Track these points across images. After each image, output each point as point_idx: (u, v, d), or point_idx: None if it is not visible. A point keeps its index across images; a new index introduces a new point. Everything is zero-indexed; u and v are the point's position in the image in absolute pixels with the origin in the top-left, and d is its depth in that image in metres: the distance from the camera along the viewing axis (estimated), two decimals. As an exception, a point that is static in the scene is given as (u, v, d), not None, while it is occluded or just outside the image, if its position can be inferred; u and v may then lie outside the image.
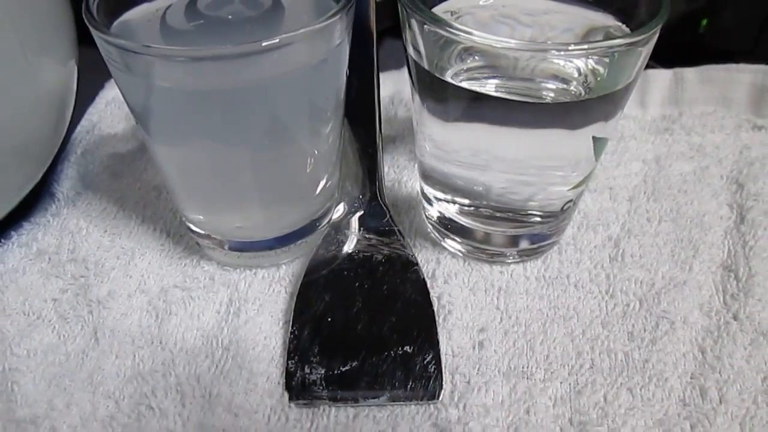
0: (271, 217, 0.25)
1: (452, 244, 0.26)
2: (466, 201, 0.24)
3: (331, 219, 0.27)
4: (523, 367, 0.22)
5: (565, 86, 0.21)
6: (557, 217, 0.25)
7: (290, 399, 0.21)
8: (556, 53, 0.19)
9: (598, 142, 0.22)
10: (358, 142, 0.27)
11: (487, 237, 0.25)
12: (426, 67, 0.21)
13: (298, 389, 0.21)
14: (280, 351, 0.23)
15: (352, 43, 0.22)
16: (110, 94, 0.36)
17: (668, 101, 0.34)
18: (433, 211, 0.26)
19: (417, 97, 0.23)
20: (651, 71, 0.35)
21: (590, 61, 0.21)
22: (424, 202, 0.27)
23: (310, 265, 0.25)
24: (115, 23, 0.21)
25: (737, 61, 0.34)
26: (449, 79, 0.21)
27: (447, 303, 0.24)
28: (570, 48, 0.19)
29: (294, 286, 0.25)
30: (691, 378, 0.22)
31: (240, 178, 0.23)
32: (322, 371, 0.22)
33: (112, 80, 0.35)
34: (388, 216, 0.27)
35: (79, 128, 0.34)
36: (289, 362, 0.22)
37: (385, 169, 0.30)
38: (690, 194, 0.29)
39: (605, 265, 0.26)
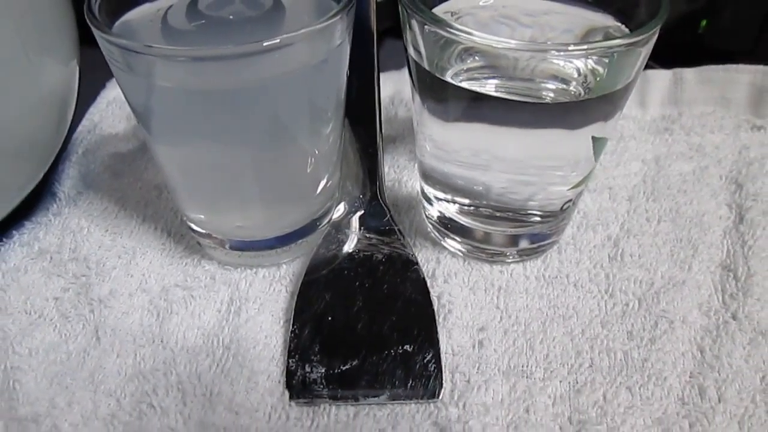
0: (272, 216, 0.25)
1: (452, 243, 0.26)
2: (466, 201, 0.24)
3: (331, 218, 0.27)
4: (522, 366, 0.22)
5: (564, 86, 0.21)
6: (557, 216, 0.25)
7: (291, 397, 0.21)
8: (556, 53, 0.19)
9: (598, 142, 0.22)
10: (358, 142, 0.27)
11: (487, 236, 0.25)
12: (426, 67, 0.21)
13: (298, 388, 0.22)
14: (281, 350, 0.23)
15: (352, 44, 0.22)
16: (111, 93, 0.36)
17: (668, 101, 0.34)
18: (434, 211, 0.26)
19: (417, 97, 0.23)
20: (650, 71, 0.35)
21: (590, 61, 0.21)
22: (424, 201, 0.27)
23: (310, 264, 0.25)
24: (117, 23, 0.21)
25: (737, 62, 0.34)
26: (449, 80, 0.21)
27: (447, 302, 0.24)
28: (570, 48, 0.19)
29: (294, 286, 0.25)
30: (690, 377, 0.22)
31: (241, 177, 0.23)
32: (323, 370, 0.22)
33: (113, 80, 0.35)
34: (388, 215, 0.27)
35: (80, 128, 0.34)
36: (290, 361, 0.22)
37: (386, 168, 0.30)
38: (689, 194, 0.29)
39: (605, 265, 0.26)
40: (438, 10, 0.22)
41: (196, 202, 0.25)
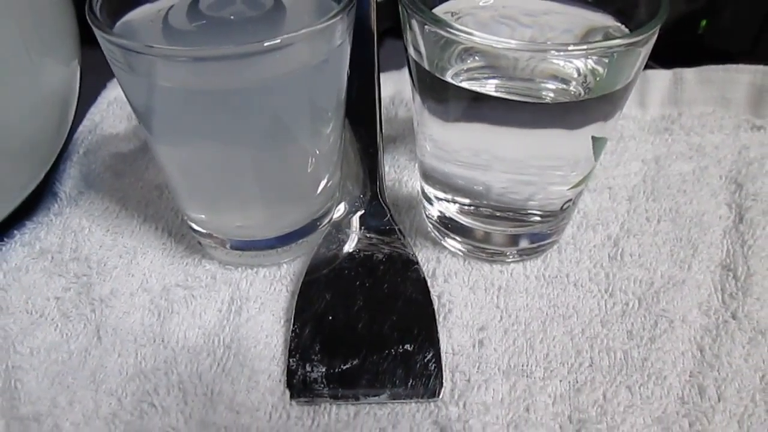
0: (273, 216, 0.25)
1: (452, 243, 0.26)
2: (467, 200, 0.24)
3: (332, 218, 0.27)
4: (522, 366, 0.22)
5: (564, 86, 0.21)
6: (557, 216, 0.25)
7: (291, 397, 0.21)
8: (556, 53, 0.19)
9: (598, 142, 0.22)
10: (359, 141, 0.27)
11: (487, 236, 0.25)
12: (426, 67, 0.21)
13: (299, 387, 0.22)
14: (282, 349, 0.23)
15: (353, 44, 0.22)
16: (112, 94, 0.36)
17: (668, 101, 0.35)
18: (434, 211, 0.26)
19: (417, 98, 0.23)
20: (650, 71, 0.35)
21: (590, 61, 0.21)
22: (424, 201, 0.27)
23: (311, 264, 0.25)
24: (118, 23, 0.21)
25: (736, 62, 0.34)
26: (449, 80, 0.21)
27: (447, 302, 0.24)
28: (569, 48, 0.19)
29: (295, 285, 0.25)
30: (689, 376, 0.22)
31: (241, 177, 0.23)
32: (323, 369, 0.22)
33: (114, 80, 0.35)
34: (388, 215, 0.27)
35: (81, 128, 0.34)
36: (291, 360, 0.22)
37: (386, 168, 0.30)
38: (689, 194, 0.29)
39: (604, 264, 0.26)
40: (438, 11, 0.23)
41: (197, 202, 0.25)
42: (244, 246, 0.25)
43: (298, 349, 0.23)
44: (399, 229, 0.26)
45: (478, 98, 0.21)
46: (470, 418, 0.21)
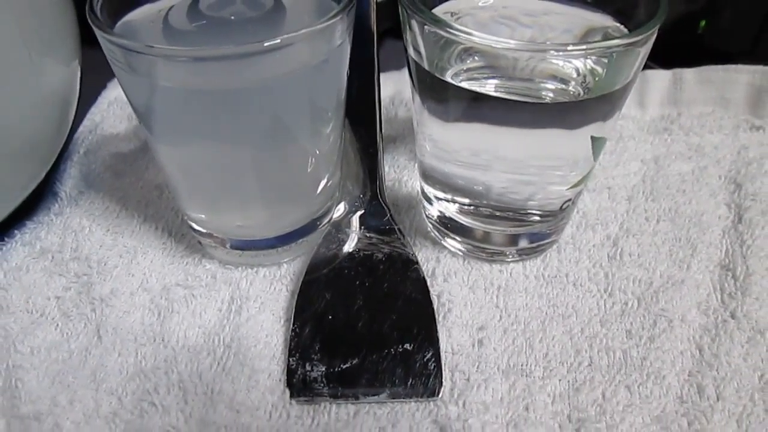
0: (273, 216, 0.25)
1: (452, 242, 0.27)
2: (466, 200, 0.24)
3: (331, 218, 0.27)
4: (522, 365, 0.22)
5: (564, 86, 0.21)
6: (556, 216, 0.25)
7: (291, 396, 0.22)
8: (555, 54, 0.20)
9: (597, 142, 0.22)
10: (358, 141, 0.27)
11: (486, 236, 0.25)
12: (426, 67, 0.21)
13: (299, 386, 0.22)
14: (282, 348, 0.23)
15: (353, 44, 0.23)
16: (112, 94, 0.36)
17: (667, 101, 0.35)
18: (433, 210, 0.26)
19: (417, 98, 0.23)
20: (650, 72, 0.35)
21: (589, 61, 0.21)
22: (424, 201, 0.27)
23: (311, 263, 0.25)
24: (119, 23, 0.21)
25: (736, 62, 0.34)
26: (449, 80, 0.21)
27: (447, 301, 0.24)
28: (569, 48, 0.19)
29: (295, 285, 0.25)
30: (688, 375, 0.22)
31: (242, 177, 0.23)
32: (323, 368, 0.22)
33: (115, 80, 0.35)
34: (388, 215, 0.27)
35: (81, 128, 0.34)
36: (291, 359, 0.22)
37: (386, 168, 0.30)
38: (688, 194, 0.29)
39: (604, 264, 0.26)
40: (438, 11, 0.23)
41: (197, 202, 0.25)
42: (244, 245, 0.26)
43: (298, 348, 0.23)
44: (399, 229, 0.26)
45: (478, 98, 0.21)
46: (470, 417, 0.21)
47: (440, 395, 0.21)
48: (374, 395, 0.21)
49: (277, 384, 0.22)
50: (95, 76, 0.31)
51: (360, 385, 0.22)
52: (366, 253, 0.26)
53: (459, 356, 0.23)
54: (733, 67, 0.34)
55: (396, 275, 0.25)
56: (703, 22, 0.40)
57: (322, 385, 0.22)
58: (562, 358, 0.22)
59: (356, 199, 0.27)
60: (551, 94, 0.21)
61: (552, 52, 0.19)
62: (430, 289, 0.25)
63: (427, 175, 0.25)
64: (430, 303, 0.24)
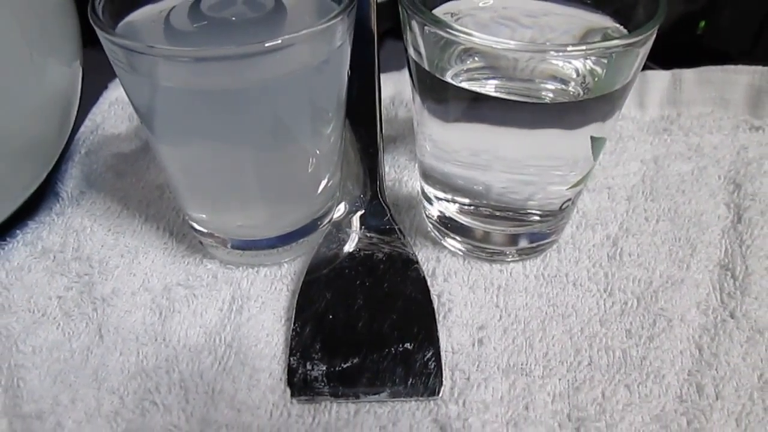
0: (274, 216, 0.25)
1: (452, 242, 0.27)
2: (466, 200, 0.25)
3: (332, 218, 0.27)
4: (522, 364, 0.22)
5: (563, 87, 0.21)
6: (556, 216, 0.25)
7: (292, 395, 0.22)
8: (555, 54, 0.20)
9: (596, 142, 0.22)
10: (359, 142, 0.27)
11: (486, 236, 0.25)
12: (426, 67, 0.21)
13: (300, 385, 0.22)
14: (282, 348, 0.23)
15: (353, 44, 0.23)
16: (114, 94, 0.36)
17: (666, 102, 0.35)
18: (434, 210, 0.27)
19: (417, 98, 0.23)
20: (650, 72, 0.35)
21: (588, 61, 0.21)
22: (424, 201, 0.27)
23: (311, 263, 0.25)
24: (120, 24, 0.21)
25: (735, 63, 0.34)
26: (449, 80, 0.21)
27: (447, 301, 0.25)
28: (568, 49, 0.19)
29: (296, 284, 0.25)
30: (688, 375, 0.22)
31: (242, 177, 0.23)
32: (324, 368, 0.22)
33: (116, 81, 0.35)
34: (388, 215, 0.27)
35: (83, 128, 0.34)
36: (291, 359, 0.22)
37: (386, 168, 0.30)
38: (688, 194, 0.29)
39: (603, 264, 0.26)
40: (438, 11, 0.23)
41: (198, 202, 0.25)
42: (245, 245, 0.26)
43: (299, 347, 0.23)
44: (399, 229, 0.27)
45: (478, 98, 0.21)
46: (470, 416, 0.21)
47: (440, 394, 0.21)
48: (375, 394, 0.21)
49: (278, 383, 0.22)
50: (97, 76, 0.31)
51: (360, 384, 0.22)
52: (366, 252, 0.26)
53: (459, 355, 0.23)
54: (732, 67, 0.34)
55: (396, 275, 0.25)
56: (702, 23, 0.40)
57: (322, 384, 0.22)
58: (562, 358, 0.23)
59: (357, 199, 0.27)
60: (551, 95, 0.21)
61: (552, 52, 0.19)
62: (431, 288, 0.25)
63: (428, 175, 0.26)
64: (431, 302, 0.24)
